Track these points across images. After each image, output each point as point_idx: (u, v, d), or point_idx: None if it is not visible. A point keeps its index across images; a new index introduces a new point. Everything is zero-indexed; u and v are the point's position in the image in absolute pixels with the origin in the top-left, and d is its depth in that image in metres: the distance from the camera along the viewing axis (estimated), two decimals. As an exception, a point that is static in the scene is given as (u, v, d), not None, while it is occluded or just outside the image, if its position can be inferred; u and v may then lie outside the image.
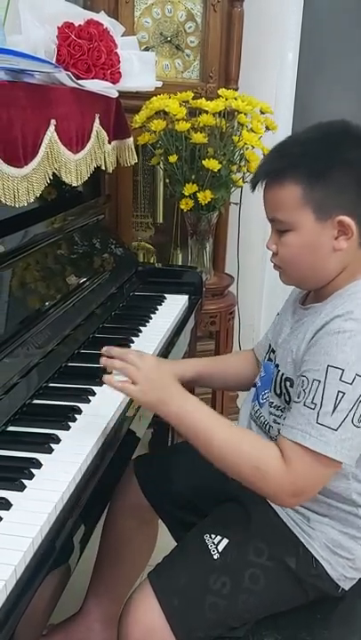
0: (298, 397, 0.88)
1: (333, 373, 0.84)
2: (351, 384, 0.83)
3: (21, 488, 0.79)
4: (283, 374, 0.99)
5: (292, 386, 0.95)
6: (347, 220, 0.89)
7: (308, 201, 0.89)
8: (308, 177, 0.88)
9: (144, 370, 0.93)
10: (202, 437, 0.90)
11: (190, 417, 0.91)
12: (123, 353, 0.97)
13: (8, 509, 0.75)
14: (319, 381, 0.85)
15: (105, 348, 0.99)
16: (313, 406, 0.85)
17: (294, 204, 0.90)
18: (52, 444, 0.89)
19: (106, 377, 0.95)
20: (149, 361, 0.98)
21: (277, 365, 1.01)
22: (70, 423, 0.95)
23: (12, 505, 0.76)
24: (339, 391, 0.83)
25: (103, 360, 0.97)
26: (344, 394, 0.83)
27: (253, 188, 0.96)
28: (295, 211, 0.90)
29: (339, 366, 0.84)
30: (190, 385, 1.16)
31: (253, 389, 1.11)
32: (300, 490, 0.86)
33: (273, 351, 1.05)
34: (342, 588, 0.98)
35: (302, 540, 0.96)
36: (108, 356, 0.97)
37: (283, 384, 0.99)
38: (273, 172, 0.92)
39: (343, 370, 0.84)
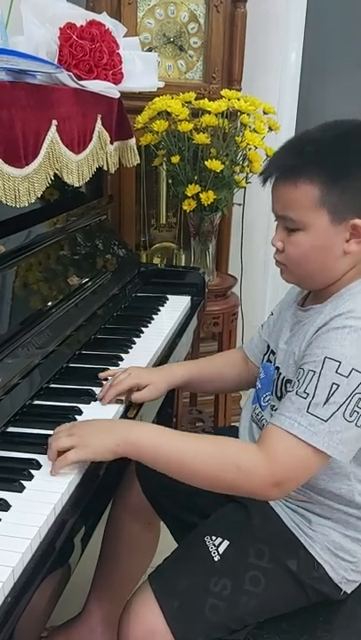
0: (292, 388, 0.87)
1: (330, 365, 0.83)
2: (347, 377, 0.82)
3: (20, 489, 0.79)
4: (284, 377, 0.98)
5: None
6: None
7: (325, 203, 0.87)
8: (326, 178, 0.86)
9: (76, 430, 0.85)
10: (165, 457, 0.85)
11: (147, 442, 0.85)
12: (54, 436, 0.86)
13: (7, 510, 0.75)
14: (314, 372, 0.84)
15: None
16: (305, 395, 0.84)
17: (309, 204, 0.87)
18: (52, 445, 0.88)
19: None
20: (80, 423, 0.90)
21: (278, 368, 1.00)
22: (71, 424, 0.95)
23: (10, 506, 0.76)
24: (333, 383, 0.82)
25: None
26: (338, 386, 0.82)
27: (264, 182, 0.94)
28: (309, 211, 0.88)
29: (336, 358, 0.83)
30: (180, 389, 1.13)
31: (254, 391, 1.10)
32: (280, 479, 0.83)
33: (273, 352, 1.04)
34: (344, 591, 0.97)
35: (303, 543, 0.96)
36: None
37: (284, 387, 0.98)
38: (287, 169, 0.89)
39: (340, 362, 0.83)
